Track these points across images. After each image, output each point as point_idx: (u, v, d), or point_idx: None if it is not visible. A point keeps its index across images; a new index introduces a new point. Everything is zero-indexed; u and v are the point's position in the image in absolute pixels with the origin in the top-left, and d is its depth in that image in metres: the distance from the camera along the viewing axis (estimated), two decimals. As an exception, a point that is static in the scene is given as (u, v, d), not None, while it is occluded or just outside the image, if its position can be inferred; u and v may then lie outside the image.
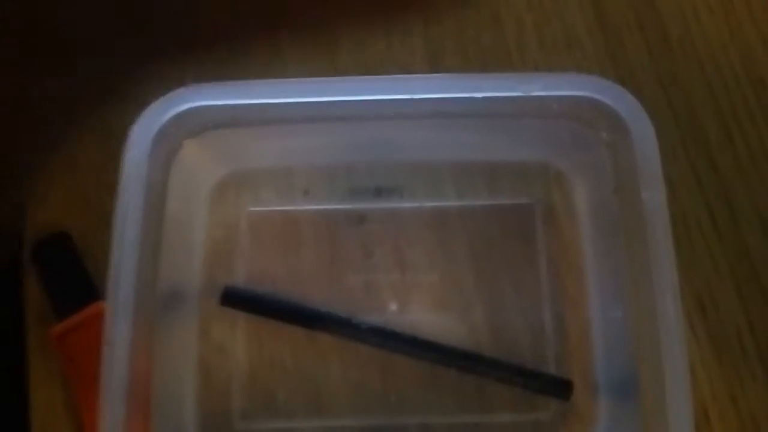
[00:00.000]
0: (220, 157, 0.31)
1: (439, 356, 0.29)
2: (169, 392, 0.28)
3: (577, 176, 0.31)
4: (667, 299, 0.24)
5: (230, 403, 0.29)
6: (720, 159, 0.33)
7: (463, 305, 0.30)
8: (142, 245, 0.26)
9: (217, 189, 0.31)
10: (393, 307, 0.30)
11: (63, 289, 0.30)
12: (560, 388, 0.29)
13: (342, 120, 0.28)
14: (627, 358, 0.28)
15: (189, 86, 0.27)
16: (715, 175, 0.33)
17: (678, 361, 0.24)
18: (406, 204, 0.32)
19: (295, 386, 0.29)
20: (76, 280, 0.30)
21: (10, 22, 0.35)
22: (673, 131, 0.34)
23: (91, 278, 0.31)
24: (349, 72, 0.34)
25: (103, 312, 0.30)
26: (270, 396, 0.29)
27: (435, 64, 0.34)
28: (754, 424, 0.30)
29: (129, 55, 0.35)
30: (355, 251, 0.31)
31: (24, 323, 0.31)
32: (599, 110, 0.27)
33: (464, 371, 0.29)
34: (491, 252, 0.31)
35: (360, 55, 0.35)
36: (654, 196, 0.25)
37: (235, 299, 0.30)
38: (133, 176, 0.26)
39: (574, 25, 0.35)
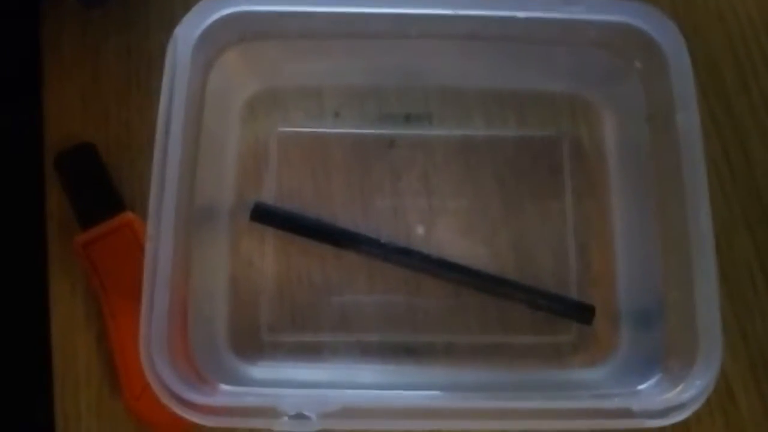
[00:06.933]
0: (254, 72, 0.31)
1: (465, 278, 0.30)
2: (203, 302, 0.28)
3: (606, 109, 0.32)
4: (701, 216, 0.25)
5: (259, 316, 0.29)
6: (737, 106, 0.34)
7: (489, 232, 0.31)
8: (183, 149, 0.26)
9: (248, 107, 0.31)
10: (420, 231, 0.31)
11: (88, 199, 0.30)
12: (582, 312, 0.29)
13: (380, 36, 0.28)
14: (650, 289, 0.29)
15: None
16: (732, 121, 0.34)
17: (710, 282, 0.25)
18: (435, 131, 0.32)
19: (321, 302, 0.30)
20: (101, 190, 0.30)
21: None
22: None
23: (116, 189, 0.30)
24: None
25: (131, 222, 0.30)
26: (297, 310, 0.29)
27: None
28: (762, 358, 0.31)
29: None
30: (384, 175, 0.31)
31: (45, 234, 0.31)
32: (636, 38, 0.28)
33: (488, 293, 0.30)
34: (518, 182, 0.31)
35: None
36: (688, 117, 0.26)
37: (265, 215, 0.30)
38: (178, 77, 0.26)
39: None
